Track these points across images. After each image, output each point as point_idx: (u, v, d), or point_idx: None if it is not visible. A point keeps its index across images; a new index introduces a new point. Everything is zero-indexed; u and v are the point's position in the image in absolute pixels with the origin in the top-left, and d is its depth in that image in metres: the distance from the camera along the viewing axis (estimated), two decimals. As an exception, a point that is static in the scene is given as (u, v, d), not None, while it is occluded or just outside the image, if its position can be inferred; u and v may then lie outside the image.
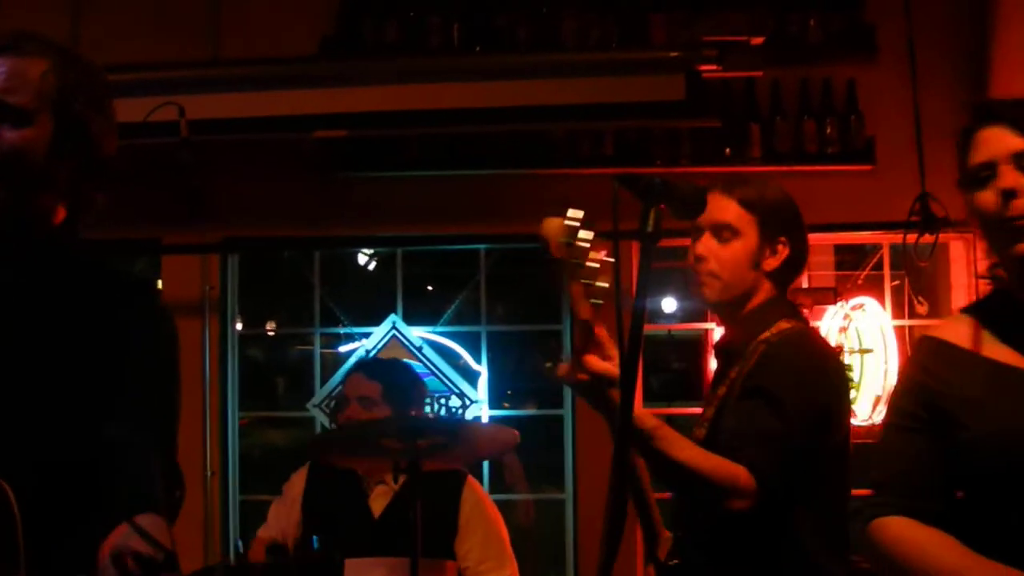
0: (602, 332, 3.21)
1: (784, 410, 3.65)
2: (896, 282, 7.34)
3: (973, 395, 3.06)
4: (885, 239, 7.25)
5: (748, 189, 4.03)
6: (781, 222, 4.03)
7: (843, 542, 3.84)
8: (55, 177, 2.98)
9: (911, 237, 6.89)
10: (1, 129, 2.88)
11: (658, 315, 8.55)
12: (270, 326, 9.11)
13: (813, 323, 4.06)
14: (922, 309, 7.24)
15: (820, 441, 3.76)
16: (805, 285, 7.01)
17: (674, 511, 3.99)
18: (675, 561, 3.82)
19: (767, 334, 3.89)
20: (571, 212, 3.13)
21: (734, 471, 3.52)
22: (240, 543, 2.77)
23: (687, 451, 3.48)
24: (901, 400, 3.27)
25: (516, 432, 4.99)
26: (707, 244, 3.98)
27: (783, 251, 4.00)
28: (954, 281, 7.44)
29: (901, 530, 3.11)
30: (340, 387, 5.90)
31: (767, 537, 3.69)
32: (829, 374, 3.90)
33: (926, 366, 3.22)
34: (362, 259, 9.84)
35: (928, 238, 6.88)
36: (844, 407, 3.97)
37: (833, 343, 6.67)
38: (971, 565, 2.93)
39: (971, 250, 7.24)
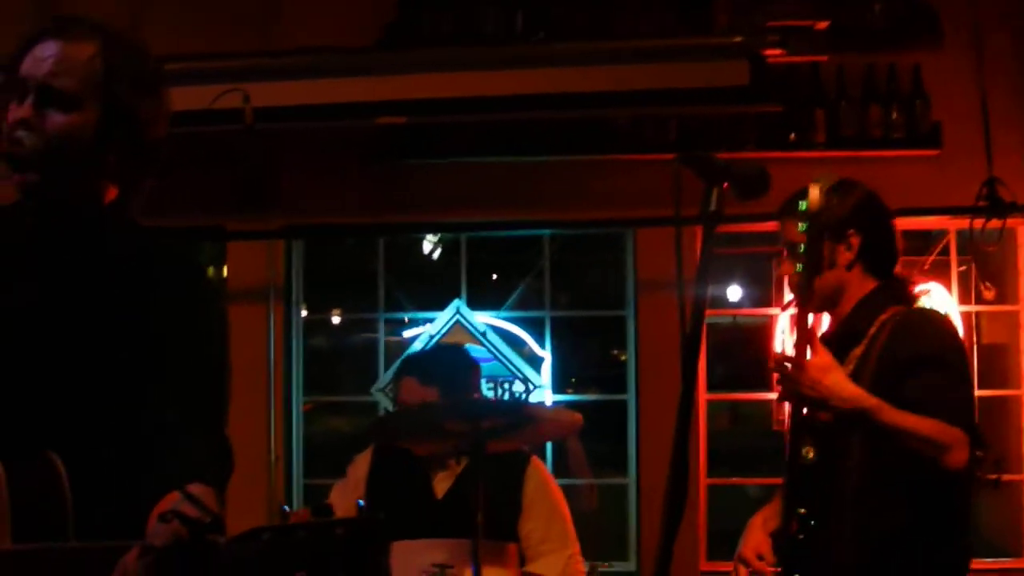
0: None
1: (957, 372, 3.96)
2: (963, 268, 7.33)
3: None
4: (952, 224, 7.26)
5: (803, 212, 4.04)
6: (845, 217, 4.11)
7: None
8: (103, 160, 3.02)
9: (978, 222, 6.93)
10: (49, 113, 2.92)
11: (723, 302, 8.52)
12: (335, 312, 9.13)
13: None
14: (989, 295, 7.24)
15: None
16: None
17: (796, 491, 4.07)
18: (801, 536, 3.95)
19: (883, 317, 4.07)
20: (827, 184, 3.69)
21: (952, 431, 3.76)
22: (286, 508, 2.81)
23: (910, 419, 3.75)
24: None
25: (579, 415, 5.02)
26: (785, 263, 4.21)
27: (855, 242, 4.10)
28: (1022, 266, 7.44)
29: None
30: (394, 387, 5.89)
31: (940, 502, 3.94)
32: (963, 348, 4.18)
33: None
34: (427, 246, 9.86)
35: (995, 223, 6.90)
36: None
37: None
38: None
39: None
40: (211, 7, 7.54)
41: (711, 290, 3.03)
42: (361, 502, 4.65)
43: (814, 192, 3.79)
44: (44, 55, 2.95)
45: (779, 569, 4.09)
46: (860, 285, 4.15)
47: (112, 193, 3.08)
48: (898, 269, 4.24)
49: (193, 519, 2.40)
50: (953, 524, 4.01)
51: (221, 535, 2.42)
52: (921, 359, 3.90)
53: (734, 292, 8.45)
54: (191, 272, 3.17)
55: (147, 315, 2.98)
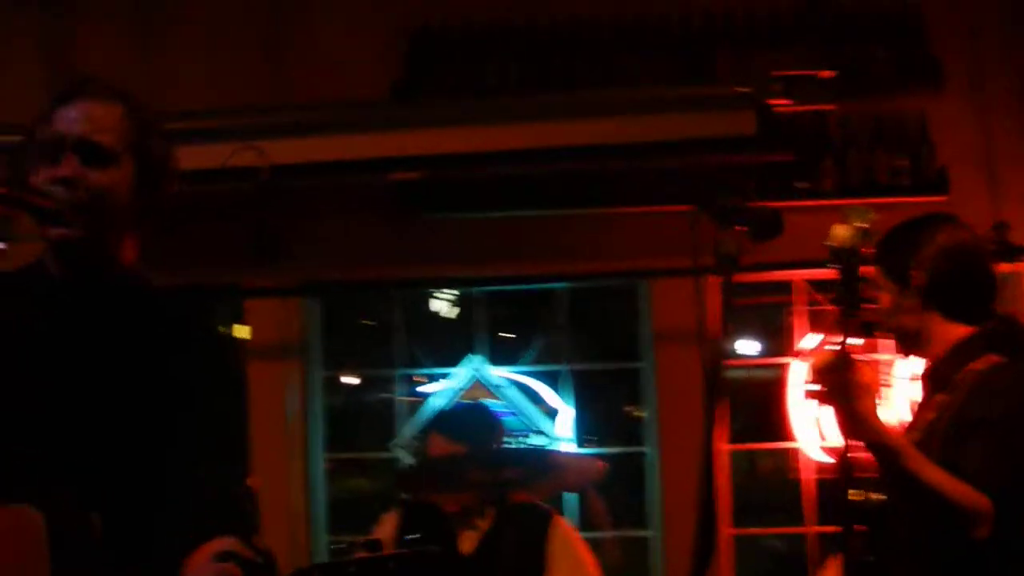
0: None
1: (1008, 438, 3.78)
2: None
3: None
4: None
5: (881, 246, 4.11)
6: (898, 259, 4.09)
7: None
8: (133, 216, 3.09)
9: (988, 266, 6.91)
10: (88, 171, 2.96)
11: (736, 354, 8.53)
12: (351, 370, 9.18)
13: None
14: None
15: None
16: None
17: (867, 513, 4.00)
18: (871, 557, 3.89)
19: (975, 366, 3.96)
20: (857, 221, 3.65)
21: (977, 499, 3.65)
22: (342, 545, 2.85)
23: (936, 474, 3.68)
24: None
25: (601, 462, 5.19)
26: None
27: (920, 277, 4.04)
28: (1031, 306, 7.45)
29: None
30: (421, 444, 5.95)
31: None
32: None
33: None
34: (440, 304, 9.92)
35: (1005, 267, 6.85)
36: None
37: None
38: None
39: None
40: (220, 63, 7.62)
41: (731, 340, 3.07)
42: (408, 537, 4.72)
43: (840, 229, 3.79)
44: (78, 115, 3.01)
45: None
46: (946, 329, 4.06)
47: (131, 250, 3.14)
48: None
49: (247, 559, 2.57)
50: None
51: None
52: (983, 420, 3.81)
53: (748, 345, 8.43)
54: (209, 332, 3.26)
55: (170, 376, 3.02)
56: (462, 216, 7.77)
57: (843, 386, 3.74)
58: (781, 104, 6.80)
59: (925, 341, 4.09)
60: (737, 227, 3.07)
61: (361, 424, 9.97)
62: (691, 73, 7.50)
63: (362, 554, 2.48)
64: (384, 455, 8.26)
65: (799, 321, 7.34)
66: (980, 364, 3.94)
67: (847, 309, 3.85)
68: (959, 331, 4.03)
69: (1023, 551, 3.81)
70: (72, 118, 3.01)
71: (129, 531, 2.87)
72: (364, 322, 9.32)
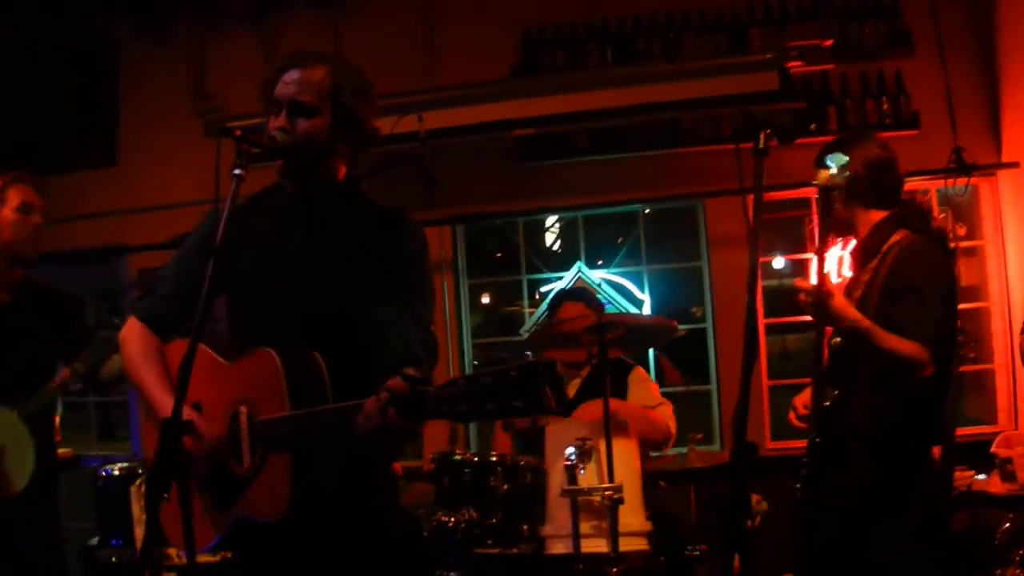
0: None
1: (934, 300, 3.91)
2: (942, 216, 7.38)
3: None
4: (931, 184, 7.23)
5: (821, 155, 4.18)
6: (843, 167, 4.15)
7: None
8: (336, 150, 3.24)
9: (950, 182, 7.03)
10: (297, 121, 3.15)
11: (768, 269, 8.53)
12: (489, 278, 9.29)
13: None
14: (962, 231, 7.26)
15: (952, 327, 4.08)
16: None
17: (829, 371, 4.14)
18: (828, 404, 4.01)
19: (893, 239, 4.08)
20: (833, 166, 3.60)
21: (920, 351, 3.81)
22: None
23: (892, 340, 3.81)
24: None
25: (676, 322, 5.13)
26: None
27: (845, 181, 4.09)
28: (983, 211, 7.49)
29: None
30: (555, 311, 6.03)
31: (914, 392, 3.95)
32: (949, 275, 4.10)
33: None
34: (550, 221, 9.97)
35: (962, 180, 7.01)
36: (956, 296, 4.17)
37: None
38: None
39: (995, 187, 7.38)
40: (377, 59, 7.73)
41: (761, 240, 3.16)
42: (529, 352, 4.80)
43: (823, 173, 3.91)
44: (289, 80, 3.18)
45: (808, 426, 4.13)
46: (867, 215, 4.15)
47: (343, 170, 3.30)
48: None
49: (410, 376, 2.68)
50: (932, 412, 4.07)
51: (426, 386, 2.67)
52: (908, 288, 3.92)
53: (777, 262, 8.37)
54: (406, 220, 3.32)
55: (380, 249, 3.21)
56: (564, 161, 7.91)
57: (819, 303, 3.85)
58: (796, 66, 6.83)
59: (853, 225, 4.19)
60: (764, 131, 3.17)
61: (499, 316, 10.13)
62: (731, 46, 7.53)
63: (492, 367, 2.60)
64: (517, 339, 8.36)
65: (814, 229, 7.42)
66: (897, 236, 4.08)
67: (824, 222, 3.97)
68: (877, 215, 4.15)
69: (947, 376, 4.03)
70: (285, 83, 3.17)
71: (347, 361, 3.07)
72: (496, 242, 9.44)
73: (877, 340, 3.84)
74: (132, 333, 3.38)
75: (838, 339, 4.13)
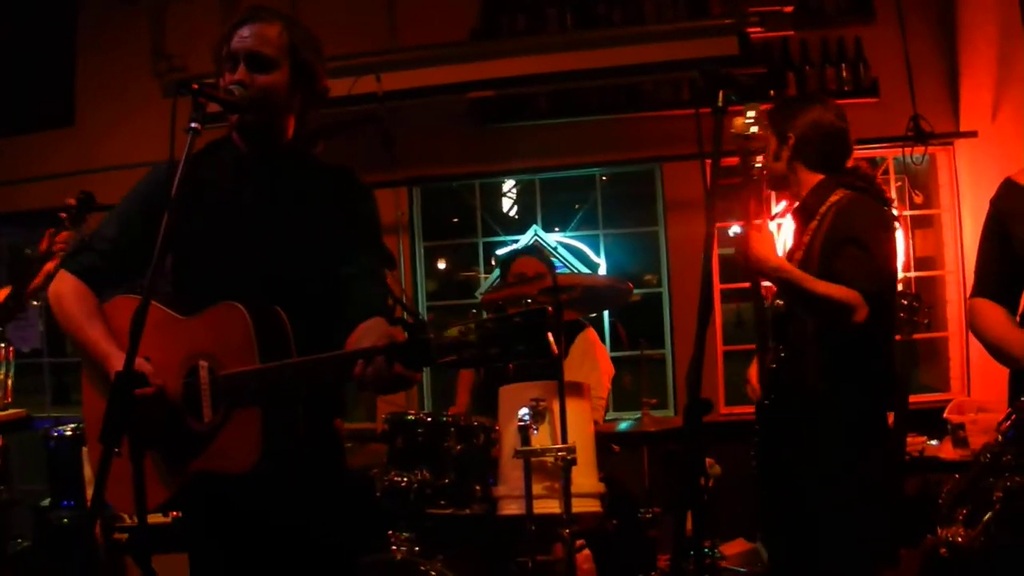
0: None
1: (872, 249, 3.94)
2: (899, 184, 7.44)
3: (1022, 215, 3.62)
4: (889, 152, 7.31)
5: (773, 110, 4.29)
6: (783, 122, 4.25)
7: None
8: (291, 105, 3.25)
9: (907, 150, 7.08)
10: (256, 74, 3.15)
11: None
12: (444, 241, 9.27)
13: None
14: (919, 200, 7.35)
15: (892, 276, 4.11)
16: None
17: (773, 332, 4.24)
18: (775, 366, 4.11)
19: (833, 198, 4.12)
20: (749, 113, 3.62)
21: (852, 295, 3.84)
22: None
23: (822, 285, 3.87)
24: (985, 222, 3.82)
25: (630, 284, 5.15)
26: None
27: (792, 137, 4.21)
28: (940, 180, 7.56)
29: (979, 306, 3.79)
30: (508, 269, 6.03)
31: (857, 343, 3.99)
32: (888, 228, 4.13)
33: (999, 196, 3.76)
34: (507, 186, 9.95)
35: (919, 149, 7.07)
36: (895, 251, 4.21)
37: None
38: (1007, 335, 3.64)
39: (952, 156, 7.42)
40: (337, 20, 7.73)
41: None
42: (529, 300, 4.83)
43: (738, 120, 3.97)
44: (246, 34, 3.17)
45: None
46: (808, 176, 4.21)
47: (292, 126, 3.30)
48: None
49: (411, 325, 2.72)
50: (881, 369, 4.10)
51: (427, 333, 2.68)
52: (848, 239, 3.96)
53: (733, 229, 8.43)
54: (355, 179, 3.37)
55: (334, 208, 3.25)
56: (523, 124, 7.91)
57: (740, 249, 3.95)
58: (756, 32, 6.78)
59: (791, 184, 4.25)
60: (724, 90, 3.21)
61: (455, 280, 10.14)
62: (692, 11, 7.52)
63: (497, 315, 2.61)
64: (473, 301, 8.40)
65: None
66: (836, 196, 4.13)
67: (745, 173, 4.07)
68: (817, 177, 4.19)
69: (887, 324, 4.07)
70: (242, 37, 3.17)
71: (311, 316, 3.12)
72: (453, 204, 9.42)
73: (804, 284, 3.90)
74: (66, 287, 3.32)
75: (781, 301, 4.18)
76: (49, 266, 5.40)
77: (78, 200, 5.50)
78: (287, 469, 3.07)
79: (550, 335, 2.56)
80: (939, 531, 3.31)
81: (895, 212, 4.24)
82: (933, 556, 3.37)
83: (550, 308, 2.60)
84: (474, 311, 5.57)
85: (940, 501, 3.38)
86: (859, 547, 4.00)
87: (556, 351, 2.57)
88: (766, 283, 4.20)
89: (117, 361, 2.95)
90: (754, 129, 3.84)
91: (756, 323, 4.18)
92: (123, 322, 2.92)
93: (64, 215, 5.49)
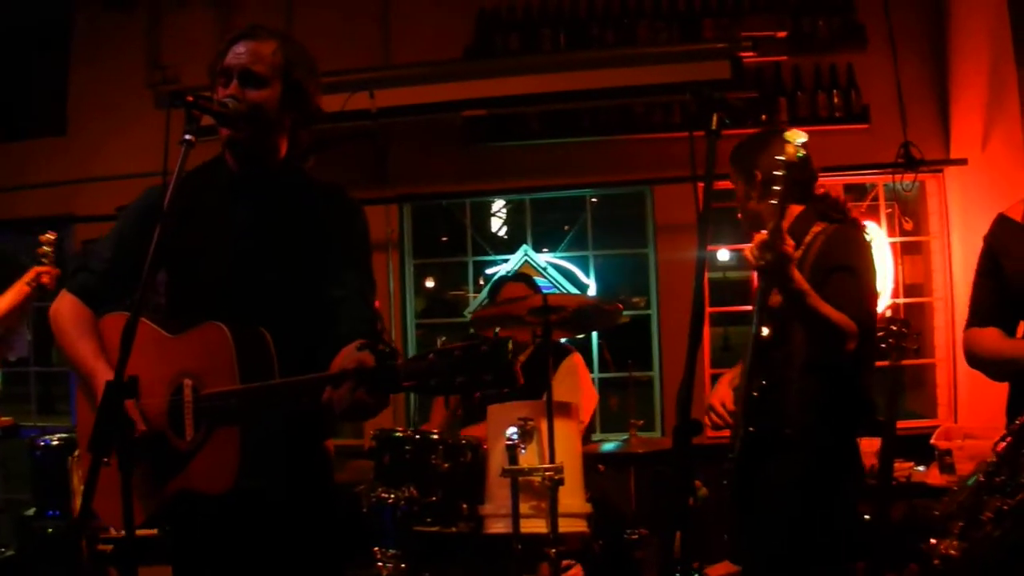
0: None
1: (861, 278, 3.94)
2: (889, 211, 7.47)
3: (1014, 251, 3.70)
4: (879, 179, 7.36)
5: (734, 154, 4.25)
6: (745, 163, 4.19)
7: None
8: (282, 123, 3.25)
9: (897, 176, 7.11)
10: (248, 90, 3.16)
11: (714, 261, 8.54)
12: (434, 258, 9.26)
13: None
14: (908, 226, 7.38)
15: (874, 307, 4.09)
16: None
17: (756, 362, 4.12)
18: (757, 394, 4.00)
19: (815, 229, 4.08)
20: (800, 140, 3.63)
21: (849, 323, 3.80)
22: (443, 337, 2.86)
23: (827, 308, 3.80)
24: (980, 257, 3.88)
25: (620, 305, 5.14)
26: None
27: (759, 176, 4.13)
28: (930, 207, 7.58)
29: (975, 332, 3.84)
30: (497, 293, 6.05)
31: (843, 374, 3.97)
32: (872, 259, 4.09)
33: (992, 232, 3.83)
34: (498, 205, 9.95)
35: (909, 176, 7.10)
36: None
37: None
38: (1008, 346, 3.70)
39: (942, 183, 7.45)
40: (333, 37, 7.77)
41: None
42: (497, 329, 4.83)
43: (788, 147, 3.73)
44: (241, 50, 3.19)
45: (735, 421, 4.12)
46: (789, 208, 4.01)
47: (284, 148, 3.30)
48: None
49: (379, 351, 2.69)
50: (860, 399, 4.03)
51: (396, 360, 2.67)
52: (840, 267, 3.92)
53: (722, 253, 8.43)
54: (346, 198, 3.35)
55: (322, 228, 3.24)
56: (515, 144, 7.90)
57: (779, 257, 3.73)
58: (748, 56, 6.87)
59: (766, 221, 3.94)
60: (717, 113, 3.15)
61: (443, 298, 10.11)
62: (686, 35, 7.57)
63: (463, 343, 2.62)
64: (461, 320, 8.35)
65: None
66: (818, 227, 4.09)
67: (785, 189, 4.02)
68: (795, 209, 4.09)
69: (870, 354, 4.05)
70: (237, 53, 3.18)
71: (295, 338, 3.10)
72: (443, 223, 9.42)
73: (815, 304, 3.82)
74: (64, 306, 3.37)
75: (765, 330, 4.12)
76: (27, 290, 5.62)
77: (52, 243, 5.72)
78: (270, 489, 3.08)
79: (517, 365, 2.57)
80: (933, 542, 3.33)
81: (870, 237, 4.23)
82: (927, 567, 3.40)
83: (510, 344, 2.57)
84: (471, 330, 5.58)
85: (936, 513, 3.41)
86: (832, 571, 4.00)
87: (522, 381, 2.56)
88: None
89: (103, 376, 2.97)
90: (802, 153, 3.80)
91: (753, 344, 4.12)
92: (114, 338, 2.97)
93: (41, 250, 5.67)
